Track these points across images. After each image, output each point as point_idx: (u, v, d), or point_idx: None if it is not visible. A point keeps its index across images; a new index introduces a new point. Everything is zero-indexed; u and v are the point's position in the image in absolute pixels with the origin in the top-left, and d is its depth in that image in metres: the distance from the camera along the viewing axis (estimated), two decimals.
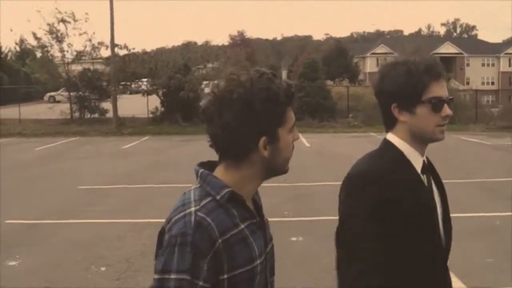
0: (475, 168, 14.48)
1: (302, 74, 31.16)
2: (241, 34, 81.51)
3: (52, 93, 37.45)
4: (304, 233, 8.06)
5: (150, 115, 29.61)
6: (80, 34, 28.47)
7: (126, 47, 29.27)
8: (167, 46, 43.42)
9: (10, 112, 30.98)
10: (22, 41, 40.60)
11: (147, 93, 29.39)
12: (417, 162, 2.06)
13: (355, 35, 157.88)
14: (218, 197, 1.59)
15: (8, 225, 8.80)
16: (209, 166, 1.71)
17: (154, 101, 29.83)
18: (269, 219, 1.83)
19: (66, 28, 28.45)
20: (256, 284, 1.66)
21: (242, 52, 63.53)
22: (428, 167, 2.11)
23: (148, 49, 34.89)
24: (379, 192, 1.95)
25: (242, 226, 1.62)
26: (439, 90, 2.02)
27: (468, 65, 78.02)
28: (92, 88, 29.51)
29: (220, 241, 1.54)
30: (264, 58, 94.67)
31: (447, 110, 2.02)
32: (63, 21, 27.88)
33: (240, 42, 78.08)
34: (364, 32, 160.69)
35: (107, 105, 29.57)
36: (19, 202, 10.71)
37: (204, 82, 28.48)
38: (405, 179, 2.01)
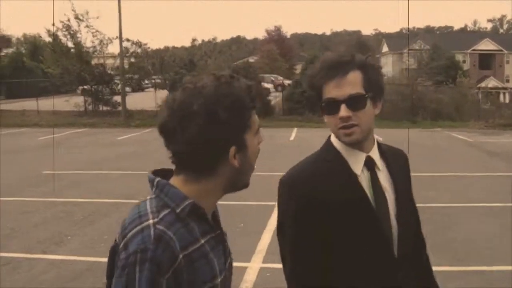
0: (417, 163, 15.13)
1: (303, 69, 31.98)
2: (277, 29, 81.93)
3: (85, 86, 39.55)
4: None
5: (158, 108, 30.99)
6: (93, 33, 30.24)
7: (138, 42, 30.83)
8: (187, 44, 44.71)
9: (34, 104, 33.04)
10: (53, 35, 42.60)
11: (157, 87, 30.92)
12: (357, 160, 1.98)
13: (404, 31, 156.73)
14: (178, 210, 1.47)
15: None
16: (163, 174, 1.58)
17: (164, 96, 31.24)
18: None
19: (79, 25, 30.24)
20: None
21: (273, 47, 64.50)
22: (381, 162, 2.04)
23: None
24: (307, 195, 1.92)
25: (203, 241, 1.51)
26: (332, 90, 1.89)
27: (508, 62, 76.54)
28: (103, 83, 31.20)
29: (181, 256, 1.42)
30: (312, 52, 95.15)
31: (342, 112, 1.88)
32: (76, 18, 29.62)
33: (277, 37, 78.71)
34: (414, 27, 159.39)
35: (119, 98, 31.18)
36: None
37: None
38: (336, 180, 1.95)
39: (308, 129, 26.34)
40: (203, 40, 43.09)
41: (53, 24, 30.63)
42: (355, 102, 1.88)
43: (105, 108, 31.84)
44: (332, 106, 1.88)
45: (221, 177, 1.53)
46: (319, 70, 1.93)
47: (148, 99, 31.84)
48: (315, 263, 1.95)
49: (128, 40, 30.13)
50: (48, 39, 32.27)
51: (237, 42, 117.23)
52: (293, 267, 2.00)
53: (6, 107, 33.94)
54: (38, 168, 14.15)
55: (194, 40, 43.61)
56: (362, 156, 1.98)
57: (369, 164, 1.99)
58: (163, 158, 1.61)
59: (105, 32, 32.00)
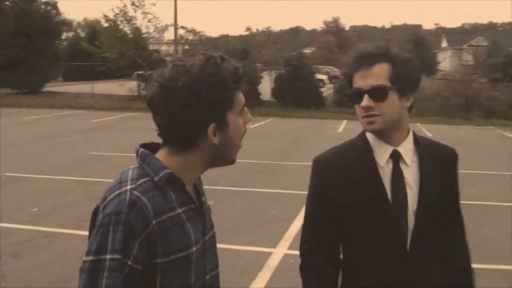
0: (461, 160, 14.88)
1: None
2: (335, 21, 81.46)
3: (140, 72, 40.33)
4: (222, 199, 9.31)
5: None
6: (149, 20, 30.84)
7: (193, 30, 31.24)
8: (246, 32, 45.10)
9: (89, 87, 33.99)
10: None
11: None
12: (383, 152, 2.03)
13: (466, 26, 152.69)
14: (156, 178, 1.56)
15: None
16: (152, 147, 1.68)
17: None
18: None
19: (135, 11, 30.84)
20: (194, 273, 1.62)
21: (330, 38, 64.16)
22: (412, 157, 2.05)
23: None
24: (327, 178, 2.05)
25: (180, 210, 1.59)
26: (359, 80, 1.96)
27: None
28: (157, 68, 31.59)
29: (154, 222, 1.50)
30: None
31: (364, 102, 1.95)
32: (132, 4, 30.24)
33: (335, 29, 78.35)
34: (476, 23, 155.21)
35: None
36: (33, 159, 13.00)
37: (257, 65, 29.99)
38: (358, 169, 2.02)
39: (358, 122, 26.08)
40: (257, 29, 43.30)
41: (112, 10, 31.21)
42: (377, 94, 1.93)
43: None
44: (358, 95, 1.96)
45: (202, 152, 1.61)
46: (351, 60, 2.01)
47: None
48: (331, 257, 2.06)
49: (183, 27, 30.63)
50: (105, 24, 32.97)
51: (296, 32, 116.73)
52: (309, 261, 2.09)
53: (62, 89, 35.05)
54: (86, 150, 14.66)
55: (248, 29, 44.00)
56: (389, 149, 2.02)
57: (395, 157, 2.02)
58: None
59: (161, 19, 32.33)
